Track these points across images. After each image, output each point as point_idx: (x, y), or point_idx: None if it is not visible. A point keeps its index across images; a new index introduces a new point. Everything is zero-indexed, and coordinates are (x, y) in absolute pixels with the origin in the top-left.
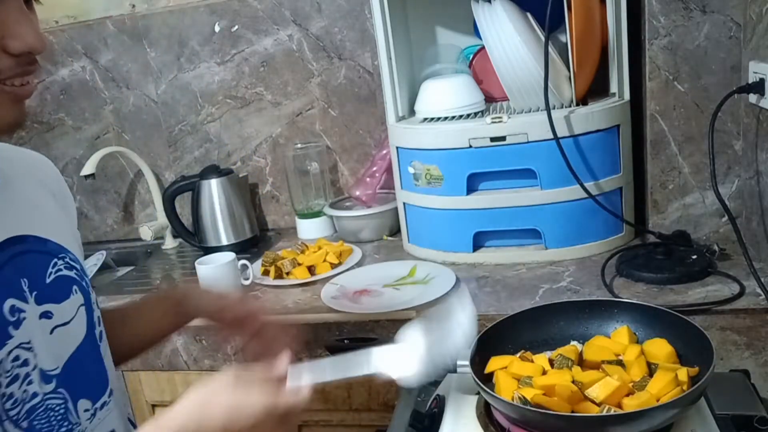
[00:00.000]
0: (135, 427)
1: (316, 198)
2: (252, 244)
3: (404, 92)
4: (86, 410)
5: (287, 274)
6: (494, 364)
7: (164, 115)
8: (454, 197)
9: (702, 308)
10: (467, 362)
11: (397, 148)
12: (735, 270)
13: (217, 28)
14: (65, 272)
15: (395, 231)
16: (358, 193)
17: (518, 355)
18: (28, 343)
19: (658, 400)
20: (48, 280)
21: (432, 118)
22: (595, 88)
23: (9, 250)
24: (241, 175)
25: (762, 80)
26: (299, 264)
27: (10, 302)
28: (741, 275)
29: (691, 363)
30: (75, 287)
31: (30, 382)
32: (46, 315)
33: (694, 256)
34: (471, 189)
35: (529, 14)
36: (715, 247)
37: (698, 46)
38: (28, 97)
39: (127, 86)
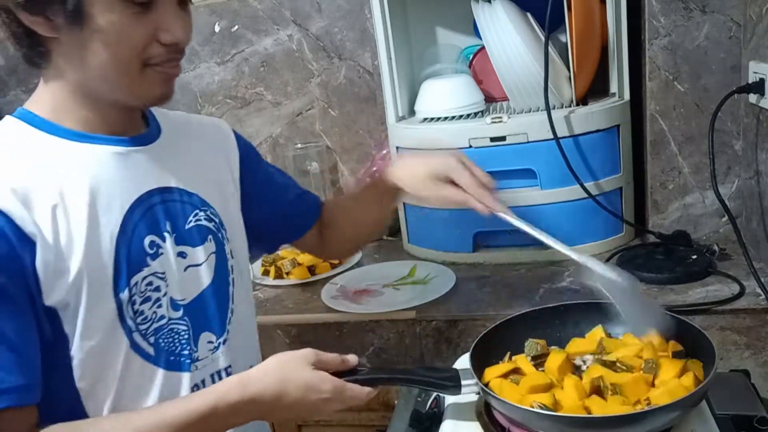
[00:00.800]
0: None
1: None
2: None
3: (404, 92)
4: (209, 342)
5: (287, 274)
6: (489, 375)
7: None
8: None
9: (702, 308)
10: (473, 381)
11: (397, 148)
12: (735, 270)
13: (217, 28)
14: (204, 222)
15: (395, 231)
16: None
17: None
18: (163, 273)
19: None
20: (187, 226)
21: (432, 118)
22: (595, 88)
23: (159, 196)
24: None
25: (762, 80)
26: (299, 264)
27: (150, 238)
28: (741, 275)
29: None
30: (210, 236)
31: (159, 306)
32: (181, 254)
33: (694, 256)
34: None
35: (529, 14)
36: (715, 247)
37: (698, 46)
38: (175, 77)
39: None
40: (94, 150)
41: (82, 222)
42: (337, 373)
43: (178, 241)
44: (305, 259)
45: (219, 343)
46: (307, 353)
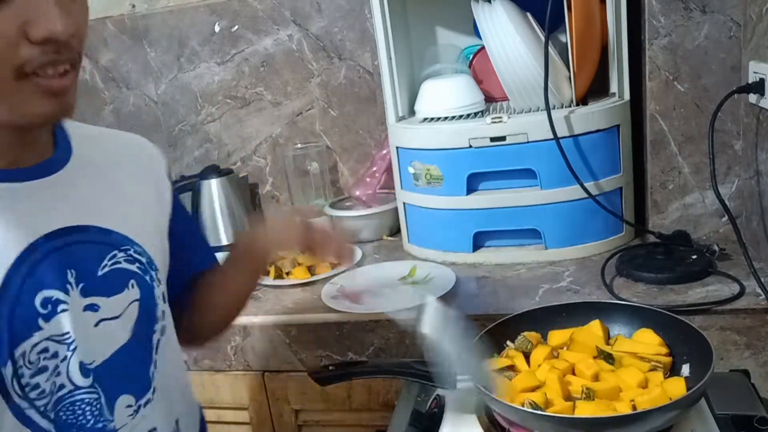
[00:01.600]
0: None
1: (316, 198)
2: None
3: (404, 92)
4: (129, 406)
5: (287, 274)
6: None
7: (164, 115)
8: (454, 197)
9: (702, 308)
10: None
11: (397, 148)
12: (735, 270)
13: (217, 28)
14: (124, 265)
15: (395, 231)
16: (358, 193)
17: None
18: (63, 335)
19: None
20: (100, 273)
21: (432, 118)
22: (595, 88)
23: (62, 238)
24: (241, 175)
25: (762, 80)
26: (299, 264)
27: (44, 294)
28: (741, 275)
29: (690, 363)
30: (132, 281)
31: (59, 374)
32: (91, 307)
33: (694, 256)
34: (471, 189)
35: (529, 14)
36: (715, 247)
37: (698, 46)
38: (62, 91)
39: (127, 86)
40: None
41: None
42: (340, 365)
43: (85, 293)
44: (305, 259)
45: (139, 406)
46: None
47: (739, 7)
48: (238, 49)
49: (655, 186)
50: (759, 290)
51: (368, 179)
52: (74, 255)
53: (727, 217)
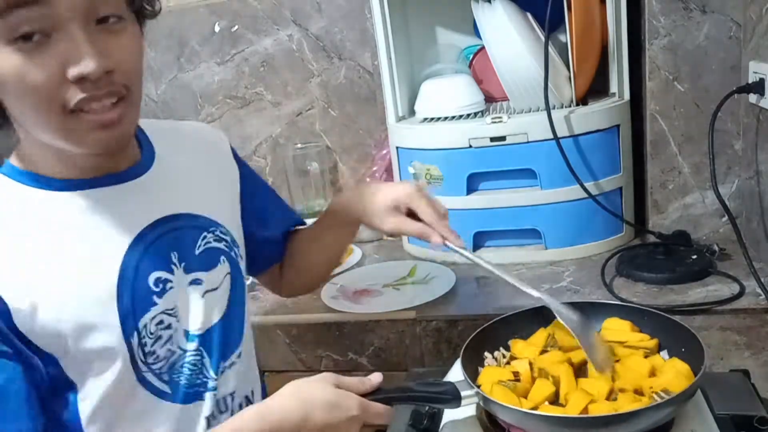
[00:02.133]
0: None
1: (316, 198)
2: None
3: (404, 92)
4: (220, 367)
5: None
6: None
7: (164, 115)
8: (454, 197)
9: (702, 308)
10: (472, 392)
11: (397, 148)
12: (735, 270)
13: (217, 28)
14: (214, 244)
15: None
16: None
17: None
18: (172, 309)
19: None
20: (197, 252)
21: (432, 118)
22: (595, 88)
23: (162, 227)
24: None
25: (762, 80)
26: None
27: (155, 275)
28: (741, 275)
29: (686, 361)
30: (223, 257)
31: (172, 343)
32: (195, 282)
33: (694, 256)
34: (471, 189)
35: (529, 14)
36: (715, 247)
37: (698, 46)
38: (111, 123)
39: None
40: (78, 198)
41: (71, 276)
42: None
43: (188, 269)
44: None
45: (224, 368)
46: (326, 375)
47: (739, 7)
48: (238, 49)
49: (655, 186)
50: (759, 290)
51: (368, 179)
52: (174, 239)
53: (727, 217)
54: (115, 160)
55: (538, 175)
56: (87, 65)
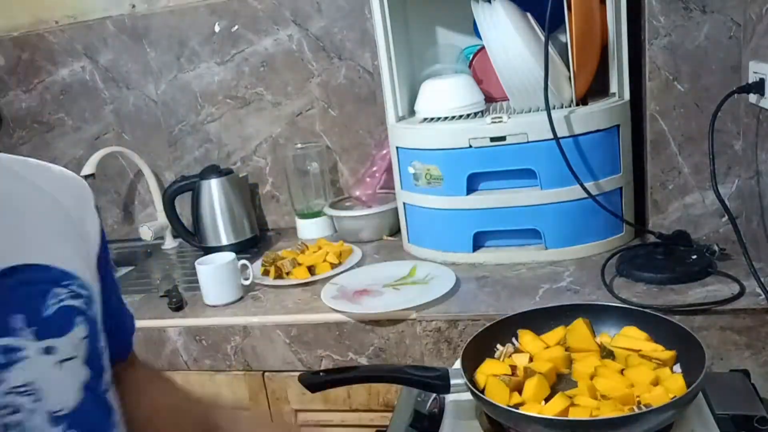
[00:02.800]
0: None
1: (316, 198)
2: (252, 244)
3: (404, 92)
4: None
5: (287, 274)
6: (483, 372)
7: (164, 115)
8: (454, 197)
9: (702, 308)
10: (461, 381)
11: (397, 148)
12: (735, 270)
13: (217, 28)
14: (69, 302)
15: (395, 231)
16: (358, 193)
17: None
18: (27, 384)
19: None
20: (48, 313)
21: (432, 118)
22: (595, 88)
23: (3, 282)
24: (241, 175)
25: (762, 80)
26: (299, 264)
27: (1, 342)
28: (741, 275)
29: (687, 364)
30: (80, 318)
31: (23, 430)
32: (48, 350)
33: (694, 256)
34: (471, 189)
35: (529, 14)
36: (715, 247)
37: (698, 46)
38: None
39: (127, 86)
40: None
41: None
42: (331, 371)
43: (40, 335)
44: (305, 259)
45: None
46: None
47: (739, 7)
48: (238, 49)
49: (655, 186)
50: (759, 290)
51: (368, 179)
52: (20, 297)
53: (727, 217)
54: None
55: (538, 175)
56: None
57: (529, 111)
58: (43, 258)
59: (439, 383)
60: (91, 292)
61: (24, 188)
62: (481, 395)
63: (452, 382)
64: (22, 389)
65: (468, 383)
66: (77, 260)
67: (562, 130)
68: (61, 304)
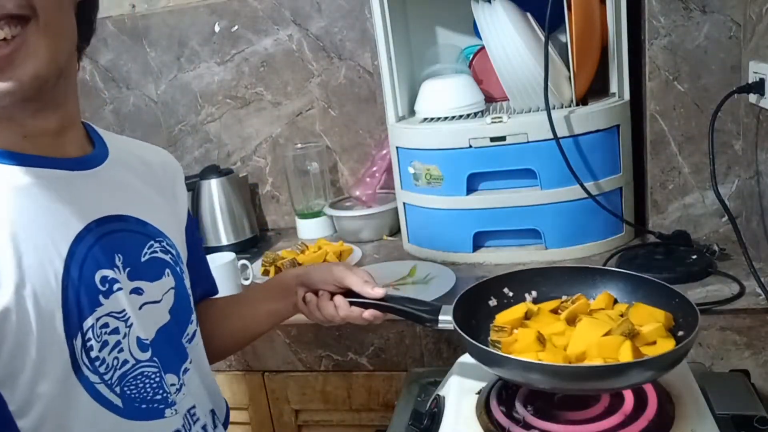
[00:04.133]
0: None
1: (316, 198)
2: (252, 244)
3: (404, 92)
4: (172, 384)
5: None
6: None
7: (164, 115)
8: (454, 197)
9: (702, 308)
10: (449, 318)
11: (397, 148)
12: (735, 270)
13: (217, 28)
14: (160, 255)
15: (395, 231)
16: (358, 193)
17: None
18: (121, 312)
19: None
20: (143, 259)
21: (432, 118)
22: (595, 88)
23: (108, 226)
24: (241, 175)
25: (762, 80)
26: (299, 264)
27: (102, 273)
28: (741, 275)
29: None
30: (168, 270)
31: (121, 350)
32: (136, 291)
33: (694, 256)
34: (471, 189)
35: (529, 14)
36: (715, 247)
37: (698, 46)
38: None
39: (127, 86)
40: (21, 174)
41: (8, 262)
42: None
43: (132, 276)
44: (305, 259)
45: (180, 385)
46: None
47: (739, 7)
48: (238, 49)
49: (655, 186)
50: (759, 290)
51: (368, 179)
52: (120, 241)
53: (727, 217)
54: (61, 141)
55: (538, 175)
56: None
57: (529, 111)
58: (143, 215)
59: (428, 317)
60: (179, 252)
61: (130, 158)
62: (462, 333)
63: (441, 317)
64: (117, 315)
65: (453, 322)
66: (169, 223)
67: (562, 130)
68: (154, 255)
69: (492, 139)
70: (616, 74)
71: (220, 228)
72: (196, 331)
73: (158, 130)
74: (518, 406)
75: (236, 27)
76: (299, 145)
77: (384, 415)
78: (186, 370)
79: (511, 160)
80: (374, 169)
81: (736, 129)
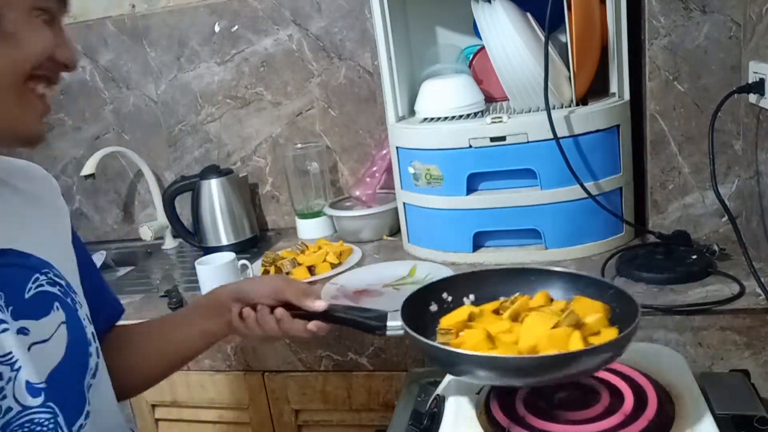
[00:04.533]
0: None
1: (316, 198)
2: (252, 244)
3: (404, 92)
4: (74, 429)
5: (287, 274)
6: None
7: (164, 115)
8: (454, 197)
9: (702, 308)
10: (398, 323)
11: (397, 148)
12: (735, 270)
13: (217, 28)
14: (47, 288)
15: (395, 231)
16: (358, 193)
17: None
18: (5, 356)
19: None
20: (27, 296)
21: (432, 118)
22: (595, 88)
23: None
24: (241, 175)
25: (762, 80)
26: (299, 264)
27: None
28: (741, 275)
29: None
30: (57, 304)
31: (4, 397)
32: (22, 331)
33: (694, 256)
34: (471, 189)
35: (529, 14)
36: (715, 247)
37: (698, 46)
38: (47, 110)
39: (127, 86)
40: None
41: None
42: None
43: (16, 315)
44: (305, 259)
45: (79, 426)
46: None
47: (739, 7)
48: (238, 49)
49: (655, 186)
50: (759, 290)
51: (368, 179)
52: (1, 278)
53: (727, 217)
54: None
55: (538, 175)
56: (73, 59)
57: (529, 111)
58: (28, 246)
59: (376, 324)
60: (68, 282)
61: (12, 180)
62: (414, 334)
63: (389, 324)
64: (1, 358)
65: (405, 325)
66: (54, 250)
67: (562, 130)
68: (40, 289)
69: (492, 139)
70: (616, 74)
71: (220, 228)
72: (98, 364)
73: (158, 130)
74: (518, 406)
75: (236, 27)
76: (299, 145)
77: (384, 415)
78: (88, 413)
79: (511, 160)
80: (374, 169)
81: (736, 129)
